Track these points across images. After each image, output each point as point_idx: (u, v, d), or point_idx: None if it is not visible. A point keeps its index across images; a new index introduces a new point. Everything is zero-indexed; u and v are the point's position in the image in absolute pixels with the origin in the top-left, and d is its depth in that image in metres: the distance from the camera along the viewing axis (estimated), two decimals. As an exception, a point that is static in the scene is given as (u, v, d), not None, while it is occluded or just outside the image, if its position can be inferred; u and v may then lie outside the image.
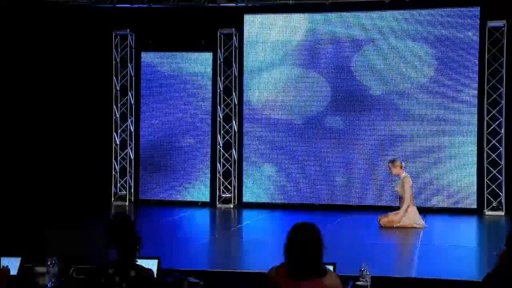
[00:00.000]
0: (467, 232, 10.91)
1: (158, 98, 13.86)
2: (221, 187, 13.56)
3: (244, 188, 13.45)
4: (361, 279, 5.19)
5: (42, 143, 13.23)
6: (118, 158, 14.02)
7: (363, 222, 11.42)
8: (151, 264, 4.86)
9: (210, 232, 11.50)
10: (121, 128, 14.02)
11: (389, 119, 12.77)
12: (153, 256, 5.17)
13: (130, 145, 13.97)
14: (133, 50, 13.98)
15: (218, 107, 13.55)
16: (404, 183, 10.56)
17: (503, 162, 12.28)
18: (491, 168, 12.31)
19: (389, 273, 6.85)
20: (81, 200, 13.01)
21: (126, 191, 13.94)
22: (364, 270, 5.21)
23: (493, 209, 12.23)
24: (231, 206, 13.45)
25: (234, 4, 13.24)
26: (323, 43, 13.11)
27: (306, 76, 13.17)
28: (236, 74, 13.56)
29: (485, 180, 12.31)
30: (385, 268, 7.14)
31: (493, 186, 12.28)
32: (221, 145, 13.56)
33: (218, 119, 13.56)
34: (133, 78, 13.99)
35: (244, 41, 13.47)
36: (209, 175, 13.57)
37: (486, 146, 12.36)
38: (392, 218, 10.57)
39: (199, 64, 13.68)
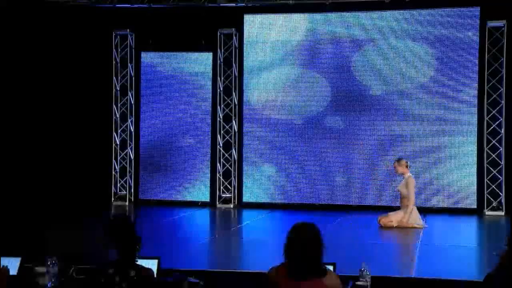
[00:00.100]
0: (467, 232, 10.91)
1: (158, 98, 13.86)
2: (221, 187, 13.56)
3: (244, 188, 13.45)
4: (361, 279, 5.19)
5: (42, 143, 13.23)
6: (118, 158, 14.02)
7: (363, 222, 11.42)
8: (151, 264, 4.86)
9: (210, 232, 11.49)
10: (121, 128, 14.03)
11: (389, 119, 12.77)
12: (153, 256, 5.17)
13: (130, 145, 13.97)
14: (133, 50, 13.98)
15: (218, 107, 13.55)
16: (409, 183, 10.54)
17: (503, 162, 12.28)
18: (491, 168, 12.31)
19: (389, 273, 6.85)
20: (81, 200, 13.02)
21: (126, 191, 13.94)
22: (364, 270, 5.21)
23: (493, 209, 12.23)
24: (231, 206, 13.45)
25: (234, 4, 13.24)
26: (323, 43, 13.11)
27: (306, 76, 13.17)
28: (236, 74, 13.57)
29: (485, 180, 12.31)
30: (385, 268, 7.13)
31: (493, 186, 12.28)
32: (221, 145, 13.56)
33: (218, 119, 13.56)
34: (133, 78, 13.99)
35: (244, 41, 13.47)
36: (209, 175, 13.58)
37: (486, 146, 12.36)
38: (393, 218, 10.55)
39: (199, 64, 13.68)
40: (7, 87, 12.74)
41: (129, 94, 13.97)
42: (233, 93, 13.56)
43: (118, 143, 14.03)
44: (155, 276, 4.61)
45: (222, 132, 13.57)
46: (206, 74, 13.66)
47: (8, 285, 4.64)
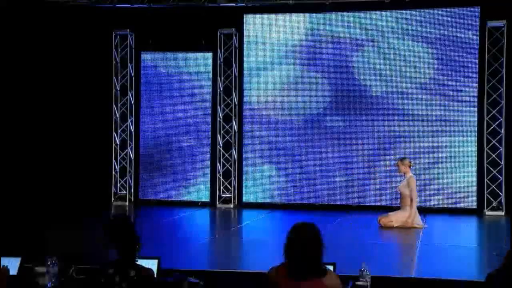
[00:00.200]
0: (467, 232, 10.91)
1: (158, 98, 13.86)
2: (221, 187, 13.56)
3: (244, 188, 13.45)
4: (361, 279, 5.20)
5: (42, 143, 13.23)
6: (118, 158, 14.02)
7: (363, 222, 11.42)
8: (151, 264, 4.87)
9: (210, 232, 11.49)
10: (121, 128, 14.02)
11: (389, 119, 12.77)
12: (153, 256, 5.17)
13: (130, 145, 13.97)
14: (133, 50, 13.98)
15: (218, 107, 13.55)
16: (410, 183, 10.54)
17: (503, 162, 12.28)
18: (491, 168, 12.31)
19: (389, 273, 6.85)
20: (81, 200, 13.01)
21: (126, 191, 13.94)
22: (364, 270, 5.22)
23: (493, 209, 12.23)
24: (231, 206, 13.45)
25: (234, 4, 13.24)
26: (323, 43, 13.11)
27: (306, 76, 13.17)
28: (236, 74, 13.57)
29: (485, 180, 12.31)
30: (385, 268, 7.13)
31: (493, 186, 12.28)
32: (221, 145, 13.56)
33: (218, 119, 13.56)
34: (133, 78, 13.99)
35: (244, 41, 13.47)
36: (209, 175, 13.58)
37: (486, 146, 12.36)
38: (393, 218, 10.55)
39: (199, 64, 13.67)
40: (7, 87, 12.74)
41: (129, 94, 13.97)
42: (233, 93, 13.56)
43: (118, 143, 14.03)
44: (155, 276, 4.61)
45: (222, 132, 13.57)
46: (206, 74, 13.66)
47: (8, 285, 4.64)
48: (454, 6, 12.52)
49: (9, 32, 12.62)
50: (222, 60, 13.57)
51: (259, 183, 13.37)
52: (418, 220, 10.61)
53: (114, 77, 13.94)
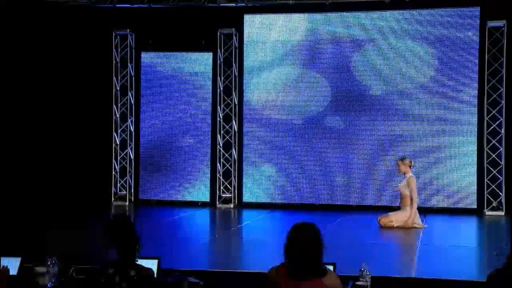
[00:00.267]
0: (467, 232, 10.91)
1: (158, 98, 13.86)
2: (221, 187, 13.56)
3: (244, 188, 13.45)
4: (361, 279, 5.19)
5: (42, 143, 13.23)
6: (118, 158, 14.02)
7: (363, 222, 11.42)
8: (151, 264, 4.87)
9: (210, 232, 11.49)
10: (121, 128, 14.02)
11: (389, 119, 12.77)
12: (153, 256, 5.17)
13: (130, 145, 13.97)
14: (133, 50, 13.98)
15: (218, 107, 13.55)
16: (410, 183, 10.55)
17: (503, 162, 12.28)
18: (491, 168, 12.31)
19: (389, 273, 6.84)
20: (81, 200, 13.01)
21: (126, 191, 13.94)
22: (364, 270, 5.22)
23: (493, 209, 12.23)
24: (231, 206, 13.45)
25: (234, 4, 13.24)
26: (323, 43, 13.11)
27: (306, 76, 13.17)
28: (236, 74, 13.57)
29: (485, 180, 12.31)
30: (385, 268, 7.13)
31: (493, 186, 12.28)
32: (221, 145, 13.56)
33: (218, 119, 13.56)
34: (133, 78, 13.99)
35: (244, 41, 13.47)
36: (209, 175, 13.58)
37: (486, 146, 12.36)
38: (393, 218, 10.55)
39: (199, 64, 13.68)
40: (7, 87, 12.74)
41: (129, 94, 13.97)
42: (233, 93, 13.56)
43: (118, 143, 14.03)
44: (155, 276, 4.61)
45: (222, 132, 13.57)
46: (206, 74, 13.66)
47: (8, 285, 4.64)
48: (454, 6, 12.51)
49: (9, 32, 12.62)
50: (222, 60, 13.57)
51: (259, 183, 13.37)
52: (418, 220, 10.61)
53: (114, 77, 13.94)
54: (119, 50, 13.96)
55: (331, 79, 13.04)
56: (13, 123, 12.82)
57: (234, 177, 13.54)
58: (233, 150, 13.55)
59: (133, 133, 13.97)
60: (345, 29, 13.00)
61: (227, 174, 13.56)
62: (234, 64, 13.56)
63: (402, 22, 12.77)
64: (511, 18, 12.20)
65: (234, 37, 13.55)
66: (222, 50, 13.58)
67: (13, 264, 5.22)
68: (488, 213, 12.19)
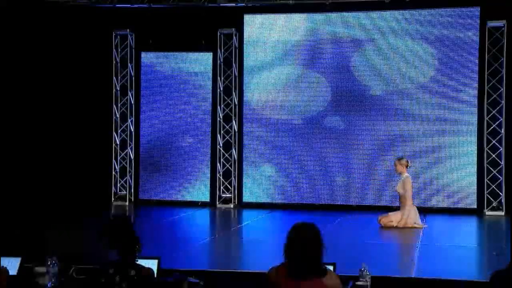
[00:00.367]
0: (467, 232, 10.90)
1: (158, 98, 13.86)
2: (221, 187, 13.56)
3: (244, 188, 13.45)
4: (361, 279, 5.20)
5: (42, 143, 13.23)
6: (118, 158, 14.02)
7: (363, 222, 11.42)
8: (151, 264, 4.87)
9: (210, 232, 11.49)
10: (121, 128, 14.02)
11: (389, 119, 12.77)
12: (153, 256, 5.17)
13: (130, 145, 13.97)
14: (133, 50, 13.98)
15: (218, 107, 13.55)
16: (405, 183, 10.56)
17: (503, 162, 12.28)
18: (491, 168, 12.30)
19: (389, 273, 6.84)
20: (81, 200, 13.01)
21: (126, 191, 13.94)
22: (364, 270, 5.22)
23: (493, 209, 12.23)
24: (231, 206, 13.45)
25: (234, 4, 13.24)
26: (323, 43, 13.11)
27: (306, 76, 13.17)
28: (236, 74, 13.57)
29: (485, 180, 12.31)
30: (385, 268, 7.13)
31: (493, 186, 12.28)
32: (221, 145, 13.56)
33: (218, 119, 13.56)
34: (133, 78, 13.99)
35: (244, 41, 13.47)
36: (209, 175, 13.57)
37: (486, 146, 12.36)
38: (393, 218, 10.56)
39: (199, 64, 13.68)
40: (7, 87, 12.74)
41: (129, 94, 13.97)
42: (233, 93, 13.56)
43: (118, 143, 14.03)
44: (155, 276, 4.61)
45: (222, 132, 13.57)
46: (206, 74, 13.66)
47: (8, 285, 4.64)
48: (454, 6, 12.52)
49: (9, 32, 12.62)
50: (222, 60, 13.57)
51: (259, 183, 13.37)
52: (418, 220, 10.61)
53: (114, 77, 13.94)
54: (119, 50, 13.96)
55: (331, 79, 13.04)
56: (13, 123, 12.82)
57: (234, 177, 13.54)
58: (233, 150, 13.55)
59: (133, 133, 13.97)
60: (345, 29, 13.00)
61: (227, 174, 13.56)
62: (234, 64, 13.56)
63: (402, 22, 12.77)
64: (511, 18, 12.20)
65: (234, 37, 13.55)
66: (222, 50, 13.58)
67: (13, 264, 5.23)
68: (488, 213, 12.19)
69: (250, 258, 8.53)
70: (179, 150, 13.72)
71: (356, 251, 8.46)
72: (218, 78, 13.55)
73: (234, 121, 13.56)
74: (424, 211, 11.53)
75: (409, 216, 10.50)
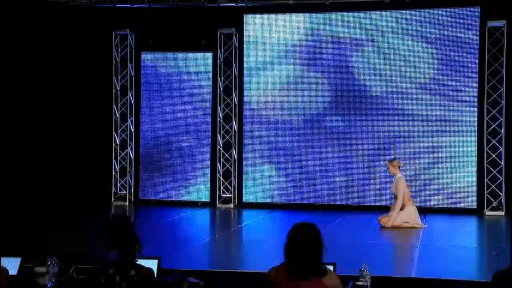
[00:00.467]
0: (467, 232, 10.90)
1: (158, 98, 13.86)
2: (221, 187, 13.56)
3: (244, 188, 13.45)
4: (361, 279, 5.19)
5: (42, 143, 13.23)
6: (118, 158, 14.02)
7: (363, 222, 11.42)
8: (151, 264, 4.86)
9: (210, 232, 11.49)
10: (121, 128, 14.02)
11: (389, 119, 12.77)
12: (153, 256, 5.17)
13: (130, 145, 13.97)
14: (133, 50, 13.98)
15: (218, 107, 13.55)
16: (398, 184, 10.59)
17: (503, 162, 12.28)
18: (491, 168, 12.30)
19: (389, 273, 6.85)
20: (81, 200, 13.01)
21: (126, 191, 13.94)
22: (364, 270, 5.21)
23: (493, 209, 12.23)
24: (231, 206, 13.44)
25: (234, 4, 13.24)
26: (323, 43, 13.10)
27: (306, 76, 13.17)
28: (236, 74, 13.57)
29: (485, 180, 12.31)
30: (385, 268, 7.14)
31: (493, 186, 12.28)
32: (221, 145, 13.56)
33: (218, 119, 13.56)
34: (133, 78, 13.99)
35: (244, 41, 13.47)
36: (209, 175, 13.57)
37: (486, 146, 12.36)
38: (400, 219, 10.57)
39: (199, 64, 13.68)
40: (7, 87, 12.74)
41: (129, 94, 13.97)
42: (233, 93, 13.56)
43: (118, 143, 14.02)
44: (155, 276, 4.61)
45: (222, 132, 13.57)
46: (206, 74, 13.66)
47: (8, 285, 4.64)
48: (454, 6, 12.52)
49: (9, 32, 12.62)
50: (222, 60, 13.57)
51: (259, 183, 13.37)
52: (418, 220, 10.61)
53: (114, 77, 13.94)
54: (119, 50, 13.96)
55: (331, 79, 13.04)
56: (13, 123, 12.82)
57: (234, 177, 13.54)
58: (233, 150, 13.55)
59: (133, 133, 13.97)
60: (345, 29, 13.00)
61: (227, 174, 13.56)
62: (234, 64, 13.56)
63: (402, 22, 12.77)
64: (511, 18, 12.20)
65: (234, 37, 13.55)
66: (222, 50, 13.58)
67: (13, 264, 5.22)
68: (488, 213, 12.19)
69: (250, 258, 8.53)
70: (179, 150, 13.72)
71: (356, 251, 8.46)
72: (218, 78, 13.55)
73: (234, 121, 13.56)
74: (424, 211, 11.53)
75: (400, 216, 10.49)
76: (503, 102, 12.26)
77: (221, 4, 13.18)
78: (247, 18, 13.47)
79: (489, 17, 12.28)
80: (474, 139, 12.43)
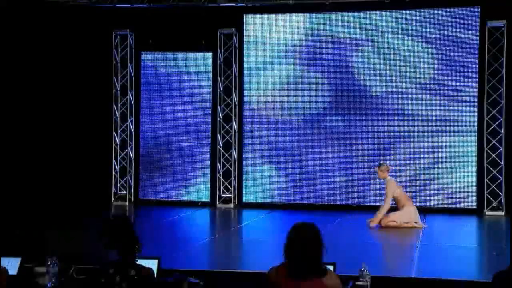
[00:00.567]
0: (467, 232, 10.90)
1: (158, 98, 13.86)
2: (221, 187, 13.56)
3: (244, 188, 13.45)
4: (361, 279, 5.20)
5: (42, 143, 13.23)
6: (118, 158, 14.02)
7: (363, 222, 11.41)
8: (151, 264, 4.87)
9: (210, 232, 11.49)
10: (121, 128, 14.02)
11: (389, 119, 12.77)
12: (153, 256, 5.17)
13: (130, 145, 13.97)
14: (133, 50, 13.98)
15: (218, 107, 13.55)
16: (387, 185, 10.62)
17: (503, 162, 12.28)
18: (491, 168, 12.30)
19: (389, 273, 6.85)
20: (81, 200, 13.01)
21: (126, 191, 13.94)
22: (364, 270, 5.22)
23: (493, 209, 12.23)
24: (231, 206, 13.44)
25: (234, 4, 13.24)
26: (323, 43, 13.10)
27: (306, 76, 13.17)
28: (236, 74, 13.57)
29: (485, 180, 12.31)
30: (385, 268, 7.14)
31: (493, 186, 12.28)
32: (221, 145, 13.56)
33: (218, 119, 13.56)
34: (133, 78, 13.99)
35: (244, 41, 13.47)
36: (209, 175, 13.57)
37: (486, 146, 12.36)
38: (394, 218, 10.57)
39: (199, 64, 13.68)
40: (7, 87, 12.74)
41: (129, 94, 13.97)
42: (233, 93, 13.56)
43: (118, 143, 14.03)
44: (155, 276, 4.61)
45: (222, 132, 13.57)
46: (206, 74, 13.66)
47: (8, 285, 4.64)
48: (454, 6, 12.51)
49: (9, 32, 12.62)
50: (222, 60, 13.57)
51: (259, 183, 13.37)
52: (418, 220, 10.61)
53: (114, 77, 13.94)
54: (119, 50, 13.96)
55: (331, 79, 13.04)
56: (13, 123, 12.82)
57: (234, 177, 13.54)
58: (233, 150, 13.55)
59: (133, 133, 13.97)
60: (345, 29, 13.00)
61: (227, 174, 13.56)
62: (234, 64, 13.56)
63: (402, 22, 12.77)
64: (511, 18, 12.20)
65: (234, 37, 13.55)
66: (222, 50, 13.58)
67: (13, 264, 5.22)
68: (488, 213, 12.19)
69: (250, 258, 8.53)
70: (179, 150, 13.72)
71: (356, 251, 8.46)
72: (218, 78, 13.55)
73: (234, 121, 13.56)
74: (424, 211, 11.53)
75: (404, 216, 10.50)
76: (503, 102, 12.26)
77: (221, 4, 13.18)
78: (247, 18, 13.47)
79: (489, 17, 12.27)
80: (474, 139, 12.43)
